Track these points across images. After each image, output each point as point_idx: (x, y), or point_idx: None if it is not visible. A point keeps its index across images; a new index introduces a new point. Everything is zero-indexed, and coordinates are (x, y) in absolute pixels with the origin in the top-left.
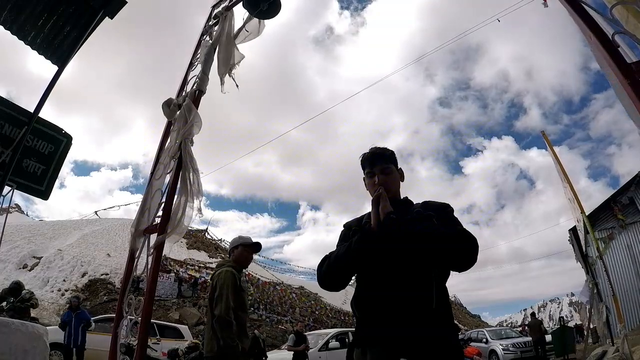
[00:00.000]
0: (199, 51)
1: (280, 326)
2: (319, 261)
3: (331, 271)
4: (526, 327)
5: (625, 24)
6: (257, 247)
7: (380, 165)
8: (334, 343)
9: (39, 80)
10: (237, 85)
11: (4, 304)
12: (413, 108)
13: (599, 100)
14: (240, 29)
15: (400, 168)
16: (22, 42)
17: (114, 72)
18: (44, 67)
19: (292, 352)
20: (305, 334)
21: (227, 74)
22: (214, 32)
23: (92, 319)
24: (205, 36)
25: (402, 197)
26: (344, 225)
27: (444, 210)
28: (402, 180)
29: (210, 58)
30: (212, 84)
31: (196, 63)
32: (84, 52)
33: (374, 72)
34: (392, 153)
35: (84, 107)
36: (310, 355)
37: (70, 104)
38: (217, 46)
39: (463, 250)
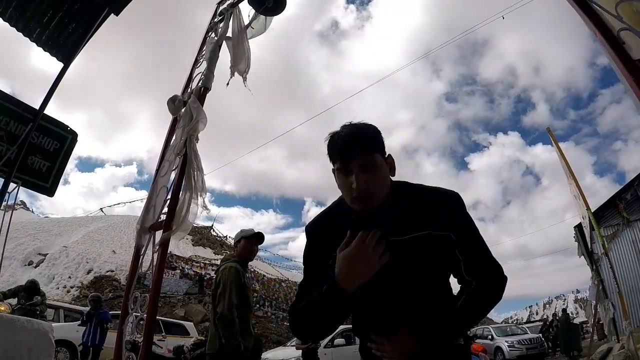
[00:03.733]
0: (204, 48)
1: (285, 323)
2: (289, 309)
3: (306, 331)
4: (548, 322)
5: (629, 20)
6: (259, 237)
7: (360, 159)
8: (339, 340)
9: (42, 76)
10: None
11: (16, 301)
12: (419, 103)
13: (606, 95)
14: (247, 27)
15: (389, 155)
16: (24, 38)
17: (118, 67)
18: (48, 63)
19: (300, 350)
20: None
21: (244, 75)
22: (219, 29)
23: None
24: (210, 33)
25: (392, 192)
26: (307, 230)
27: (467, 229)
28: (393, 174)
29: (215, 55)
30: (217, 80)
31: (201, 60)
32: (88, 48)
33: (380, 67)
34: (374, 134)
35: (88, 103)
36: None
37: (74, 100)
38: (222, 43)
39: (497, 301)
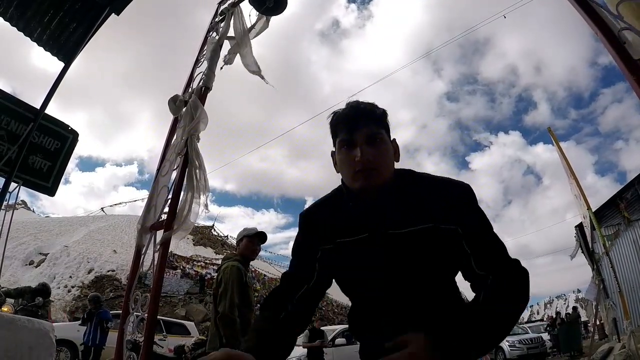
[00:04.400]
0: (205, 48)
1: None
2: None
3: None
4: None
5: (630, 20)
6: (261, 236)
7: (367, 130)
8: (340, 339)
9: (43, 75)
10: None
11: (19, 300)
12: (420, 103)
13: (607, 95)
14: (250, 28)
15: (394, 139)
16: (25, 37)
17: (119, 67)
18: (49, 62)
19: (306, 349)
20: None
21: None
22: (220, 29)
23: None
24: (211, 32)
25: (395, 180)
26: (300, 219)
27: (478, 222)
28: (397, 160)
29: (216, 54)
30: (218, 80)
31: (202, 59)
32: (89, 47)
33: (381, 66)
34: (383, 113)
35: (88, 102)
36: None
37: (75, 99)
38: (223, 43)
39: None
